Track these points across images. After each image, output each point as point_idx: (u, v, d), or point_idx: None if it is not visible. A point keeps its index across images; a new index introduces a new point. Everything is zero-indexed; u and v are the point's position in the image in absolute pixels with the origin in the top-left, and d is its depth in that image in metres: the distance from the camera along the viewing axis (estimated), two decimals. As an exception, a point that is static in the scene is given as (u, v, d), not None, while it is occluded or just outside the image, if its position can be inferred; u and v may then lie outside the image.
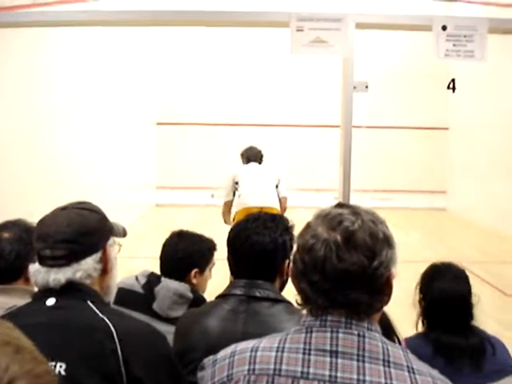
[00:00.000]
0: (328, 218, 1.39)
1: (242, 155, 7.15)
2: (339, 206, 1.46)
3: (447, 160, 13.97)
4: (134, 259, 7.44)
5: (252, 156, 7.08)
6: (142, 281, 2.65)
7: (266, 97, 14.20)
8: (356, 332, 1.35)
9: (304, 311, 1.45)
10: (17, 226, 2.42)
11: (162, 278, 2.65)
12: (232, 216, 6.83)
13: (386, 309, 2.38)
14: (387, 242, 1.39)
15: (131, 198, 11.99)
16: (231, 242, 2.20)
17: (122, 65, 10.86)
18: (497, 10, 11.31)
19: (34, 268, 1.74)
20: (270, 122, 14.01)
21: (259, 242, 2.13)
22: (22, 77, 6.67)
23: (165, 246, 2.83)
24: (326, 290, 1.35)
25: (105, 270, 1.82)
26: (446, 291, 2.62)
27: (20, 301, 2.20)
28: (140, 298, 2.59)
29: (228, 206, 6.91)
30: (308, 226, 1.42)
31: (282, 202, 6.87)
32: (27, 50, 6.60)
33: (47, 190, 7.07)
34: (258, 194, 6.68)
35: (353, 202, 3.32)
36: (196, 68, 14.18)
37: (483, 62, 3.32)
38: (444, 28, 3.26)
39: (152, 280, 2.64)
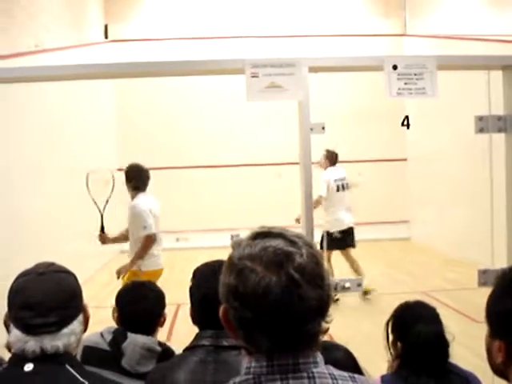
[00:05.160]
0: (267, 255, 1.27)
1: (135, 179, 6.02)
2: (263, 235, 1.32)
3: (407, 190, 14.18)
4: (100, 309, 7.30)
5: (145, 183, 6.08)
6: (108, 337, 2.61)
7: (227, 139, 14.32)
8: (305, 374, 1.29)
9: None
10: None
11: (129, 334, 2.61)
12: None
13: (356, 347, 2.40)
14: (322, 259, 1.33)
15: (95, 246, 11.81)
16: (202, 292, 2.15)
17: (83, 115, 10.85)
18: (443, 42, 11.69)
19: (17, 337, 1.67)
20: (234, 162, 14.12)
21: None
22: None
23: (126, 299, 2.81)
24: (285, 332, 1.27)
25: (85, 329, 1.81)
26: (426, 335, 2.58)
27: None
28: (107, 355, 2.55)
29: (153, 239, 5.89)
30: (242, 268, 1.28)
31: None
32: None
33: (12, 241, 6.96)
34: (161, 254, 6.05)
35: (318, 236, 3.36)
36: (157, 114, 14.26)
37: (435, 99, 3.42)
38: (395, 67, 3.35)
39: (118, 336, 2.60)
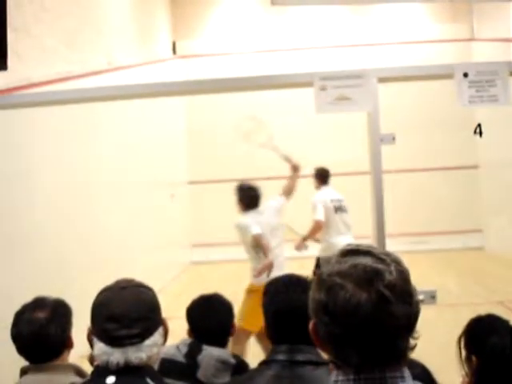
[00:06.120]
0: (357, 273, 1.28)
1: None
2: (353, 253, 1.34)
3: (479, 198, 13.81)
4: (172, 320, 7.41)
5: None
6: (184, 350, 2.66)
7: (294, 149, 14.30)
8: None
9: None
10: (45, 303, 2.46)
11: (204, 346, 2.66)
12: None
13: (429, 359, 2.35)
14: (409, 276, 1.33)
15: (166, 258, 12.03)
16: (275, 307, 2.16)
17: (152, 129, 11.10)
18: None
19: (102, 349, 1.71)
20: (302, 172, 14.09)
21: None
22: (57, 152, 6.81)
23: (197, 313, 2.86)
24: (374, 348, 1.28)
25: (165, 342, 1.85)
26: (502, 347, 2.48)
27: (64, 378, 2.21)
28: (183, 367, 2.60)
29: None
30: (332, 285, 1.29)
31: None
32: (63, 125, 6.77)
33: (85, 253, 7.17)
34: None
35: (388, 247, 3.29)
36: (226, 126, 14.42)
37: (507, 106, 3.33)
38: (465, 75, 3.28)
39: (193, 348, 2.65)
